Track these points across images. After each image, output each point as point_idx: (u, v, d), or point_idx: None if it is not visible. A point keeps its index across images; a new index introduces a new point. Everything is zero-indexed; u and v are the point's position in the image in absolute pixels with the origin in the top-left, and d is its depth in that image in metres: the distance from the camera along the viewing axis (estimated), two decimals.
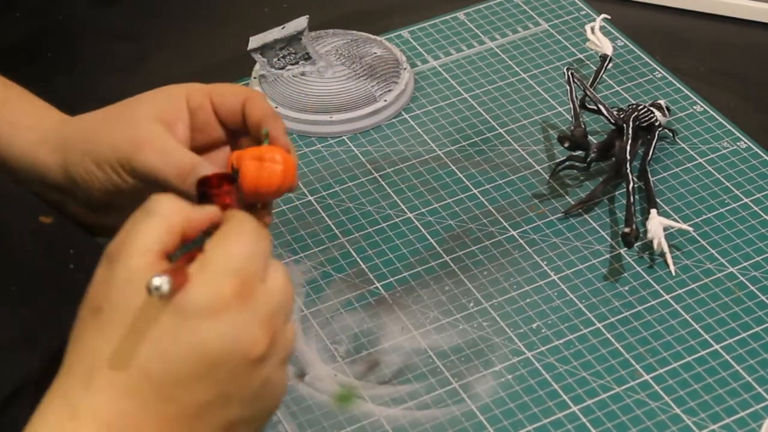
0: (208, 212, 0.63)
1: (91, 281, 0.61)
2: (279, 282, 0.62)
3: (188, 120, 0.77)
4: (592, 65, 1.10)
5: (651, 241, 0.91)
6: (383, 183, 0.99)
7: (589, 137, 0.98)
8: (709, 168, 0.99)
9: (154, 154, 0.73)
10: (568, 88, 1.00)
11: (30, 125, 0.79)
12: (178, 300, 0.58)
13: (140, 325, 0.59)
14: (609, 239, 0.94)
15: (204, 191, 0.67)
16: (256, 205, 0.75)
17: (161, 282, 0.56)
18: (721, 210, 0.96)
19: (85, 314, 0.60)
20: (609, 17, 1.13)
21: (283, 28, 1.04)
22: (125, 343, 0.59)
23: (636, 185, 0.95)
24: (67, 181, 0.78)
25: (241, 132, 0.77)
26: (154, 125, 0.75)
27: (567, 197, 0.98)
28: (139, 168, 0.74)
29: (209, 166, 0.72)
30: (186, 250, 0.62)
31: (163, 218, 0.61)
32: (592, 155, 0.96)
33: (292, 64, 1.05)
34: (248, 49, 1.05)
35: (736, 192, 0.97)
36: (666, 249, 0.90)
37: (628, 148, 0.96)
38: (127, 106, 0.77)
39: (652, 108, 1.00)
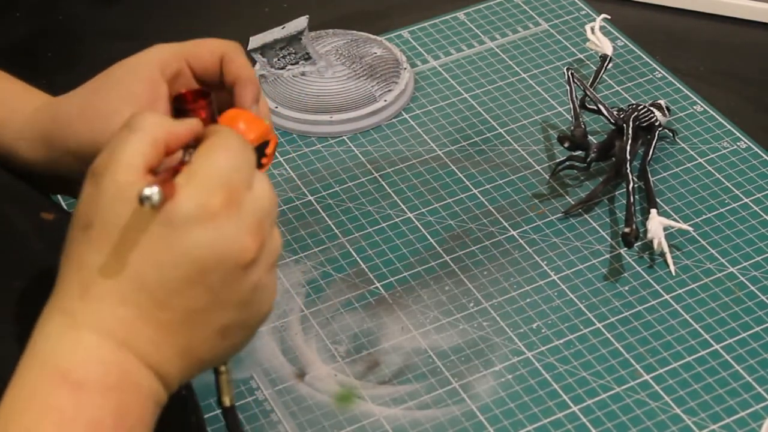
0: (191, 125, 0.64)
1: (79, 200, 0.61)
2: (264, 190, 0.63)
3: (166, 94, 0.77)
4: (592, 65, 1.10)
5: (651, 241, 0.91)
6: (383, 183, 0.99)
7: (589, 137, 0.98)
8: (709, 168, 0.99)
9: None
10: (568, 88, 1.00)
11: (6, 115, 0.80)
12: (168, 209, 0.59)
13: (132, 236, 0.59)
14: (609, 239, 0.94)
15: (179, 107, 0.67)
16: None
17: (152, 192, 0.57)
18: (721, 210, 0.96)
19: (76, 232, 0.61)
20: (609, 17, 1.13)
21: (283, 28, 1.04)
22: (118, 253, 0.59)
23: (636, 185, 0.95)
24: (49, 169, 0.79)
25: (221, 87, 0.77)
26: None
27: (567, 197, 0.98)
28: None
29: None
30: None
31: (146, 133, 0.61)
32: (592, 155, 0.96)
33: (292, 64, 1.05)
34: (248, 49, 1.05)
35: (736, 192, 0.97)
36: (666, 249, 0.90)
37: (628, 148, 0.96)
38: (106, 90, 0.77)
39: (652, 108, 1.00)
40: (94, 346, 0.59)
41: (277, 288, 0.66)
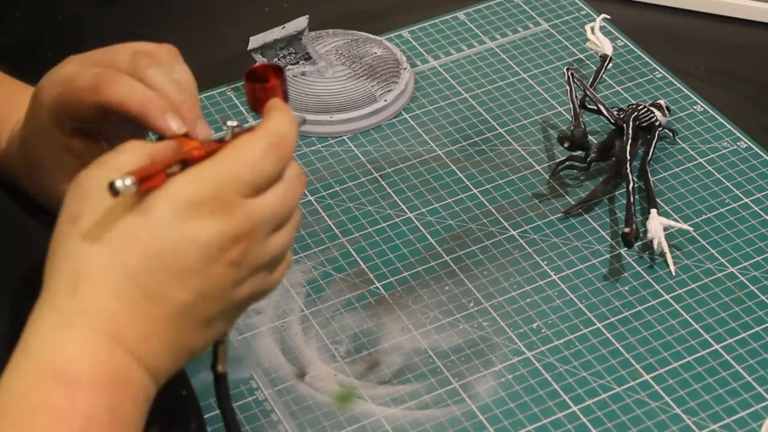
0: (170, 143, 0.64)
1: (64, 201, 0.62)
2: (275, 198, 0.63)
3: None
4: (592, 65, 1.10)
5: (651, 241, 0.91)
6: (383, 183, 0.99)
7: (589, 137, 0.98)
8: (709, 168, 0.99)
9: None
10: (568, 88, 1.00)
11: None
12: (148, 202, 0.60)
13: (118, 227, 0.60)
14: (609, 239, 0.94)
15: (252, 84, 0.66)
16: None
17: (122, 179, 0.58)
18: (721, 210, 0.96)
19: (63, 225, 0.61)
20: (609, 17, 1.13)
21: (283, 28, 1.04)
22: (106, 244, 0.59)
23: (636, 185, 0.95)
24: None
25: None
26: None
27: (567, 197, 0.98)
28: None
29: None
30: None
31: (131, 151, 0.62)
32: (592, 155, 0.96)
33: (292, 64, 1.05)
34: (248, 49, 1.05)
35: (736, 192, 0.97)
36: (666, 249, 0.90)
37: (628, 148, 0.96)
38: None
39: (652, 108, 1.00)
40: (87, 342, 0.59)
41: (261, 284, 0.66)
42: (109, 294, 0.59)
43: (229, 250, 0.61)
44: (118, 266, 0.60)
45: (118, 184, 0.58)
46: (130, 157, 0.62)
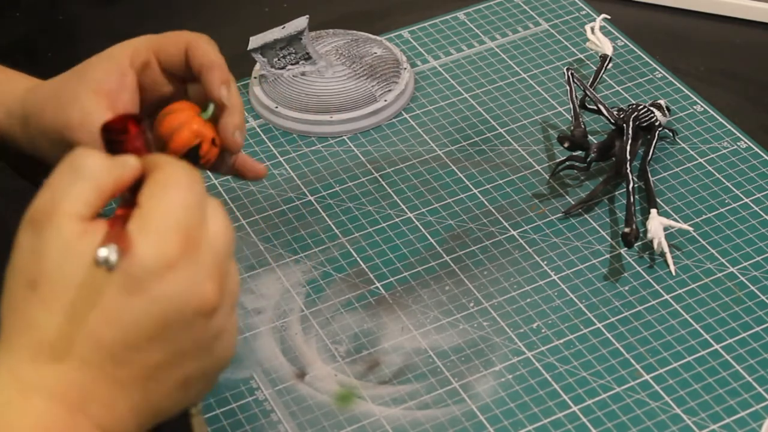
0: (134, 168, 0.59)
1: (16, 248, 0.57)
2: (219, 224, 0.60)
3: (134, 84, 0.78)
4: (592, 65, 1.10)
5: (651, 241, 0.91)
6: (383, 183, 0.99)
7: (589, 137, 0.98)
8: (709, 168, 0.99)
9: (84, 135, 0.75)
10: (568, 88, 1.00)
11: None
12: (126, 266, 0.56)
13: (88, 297, 0.56)
14: (609, 239, 0.94)
15: (110, 138, 0.61)
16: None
17: (108, 252, 0.54)
18: (721, 210, 0.96)
19: (19, 286, 0.57)
20: (609, 17, 1.13)
21: (283, 28, 1.04)
22: (73, 315, 0.56)
23: (636, 185, 0.95)
24: (32, 151, 0.81)
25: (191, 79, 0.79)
26: (90, 102, 0.76)
27: (567, 197, 0.98)
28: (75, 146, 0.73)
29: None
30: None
31: (93, 181, 0.57)
32: (592, 155, 0.96)
33: (292, 64, 1.05)
34: (248, 49, 1.05)
35: (736, 192, 0.97)
36: (666, 249, 0.90)
37: (628, 148, 0.96)
38: (76, 77, 0.79)
39: (652, 108, 1.00)
40: (44, 413, 0.56)
41: (237, 330, 0.62)
42: (74, 364, 0.56)
43: (208, 297, 0.58)
44: (87, 337, 0.56)
45: (103, 258, 0.54)
46: (87, 190, 0.57)
